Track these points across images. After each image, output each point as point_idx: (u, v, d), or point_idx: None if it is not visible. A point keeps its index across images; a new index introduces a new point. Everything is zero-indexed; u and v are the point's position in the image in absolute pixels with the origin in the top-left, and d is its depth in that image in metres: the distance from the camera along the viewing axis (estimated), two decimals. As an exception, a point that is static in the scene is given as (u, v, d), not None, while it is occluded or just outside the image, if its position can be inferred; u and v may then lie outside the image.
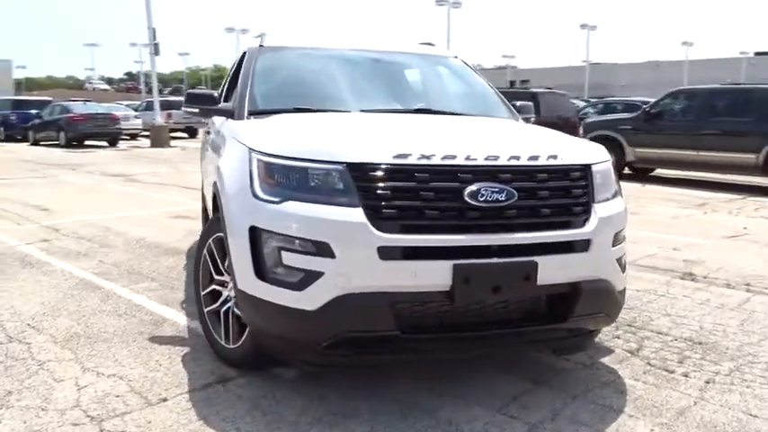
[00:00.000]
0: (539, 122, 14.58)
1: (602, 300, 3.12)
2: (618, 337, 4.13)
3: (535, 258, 2.86)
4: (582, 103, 28.48)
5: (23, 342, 3.96)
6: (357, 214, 2.73)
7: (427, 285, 2.77)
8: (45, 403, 3.14)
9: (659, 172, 14.32)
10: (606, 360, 3.75)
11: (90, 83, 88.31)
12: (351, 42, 4.78)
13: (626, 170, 13.95)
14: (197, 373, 3.49)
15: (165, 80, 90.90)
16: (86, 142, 23.76)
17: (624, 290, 3.34)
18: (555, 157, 3.05)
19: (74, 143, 23.32)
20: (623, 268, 3.27)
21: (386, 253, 2.71)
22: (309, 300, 2.77)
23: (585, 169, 3.11)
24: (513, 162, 2.94)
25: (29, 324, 4.28)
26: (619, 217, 3.21)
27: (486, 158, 2.91)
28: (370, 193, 2.77)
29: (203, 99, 4.18)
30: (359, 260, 2.72)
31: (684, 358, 3.79)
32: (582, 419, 3.01)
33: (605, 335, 4.16)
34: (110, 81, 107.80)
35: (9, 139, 26.56)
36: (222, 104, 4.16)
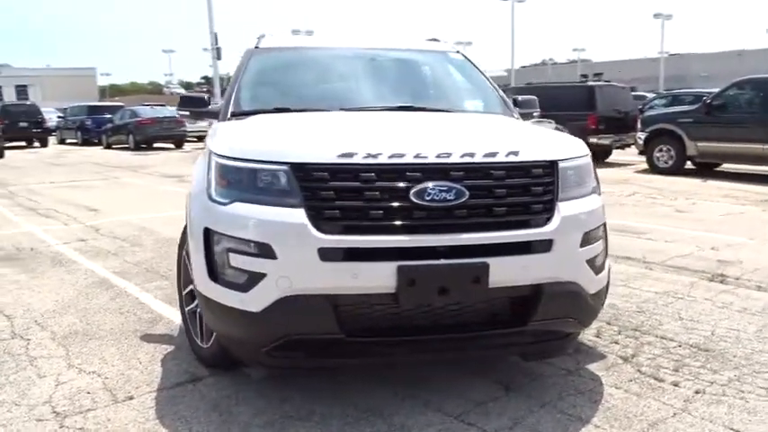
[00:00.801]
0: (594, 117, 14.07)
1: (568, 303, 2.95)
2: (616, 342, 3.91)
3: (487, 260, 2.73)
4: (652, 96, 27.29)
5: (24, 338, 4.12)
6: (298, 215, 2.69)
7: (370, 287, 2.69)
8: (20, 398, 3.26)
9: (726, 167, 13.52)
10: (594, 366, 3.55)
11: (168, 88, 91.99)
12: (350, 40, 4.74)
13: (688, 165, 13.26)
14: (172, 371, 3.54)
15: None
16: (154, 145, 24.72)
17: (600, 293, 3.15)
18: (516, 153, 2.91)
19: (142, 146, 24.31)
20: (598, 269, 3.09)
21: (327, 254, 2.66)
22: (254, 301, 2.75)
23: (551, 166, 2.95)
24: (467, 159, 2.82)
25: (36, 321, 4.46)
26: (590, 215, 3.03)
27: (437, 156, 2.80)
28: (312, 193, 2.72)
29: (195, 102, 4.24)
30: (300, 262, 2.68)
31: (682, 366, 3.54)
32: (542, 429, 2.86)
33: (604, 339, 3.96)
34: (188, 85, 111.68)
35: (86, 143, 27.97)
36: (211, 107, 4.21)
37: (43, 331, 4.25)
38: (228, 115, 3.84)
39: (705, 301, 4.71)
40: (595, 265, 3.06)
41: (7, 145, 23.51)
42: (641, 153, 14.01)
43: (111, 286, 5.30)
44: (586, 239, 2.98)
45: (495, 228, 2.78)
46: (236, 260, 2.80)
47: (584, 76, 59.81)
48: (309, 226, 2.66)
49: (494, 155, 2.86)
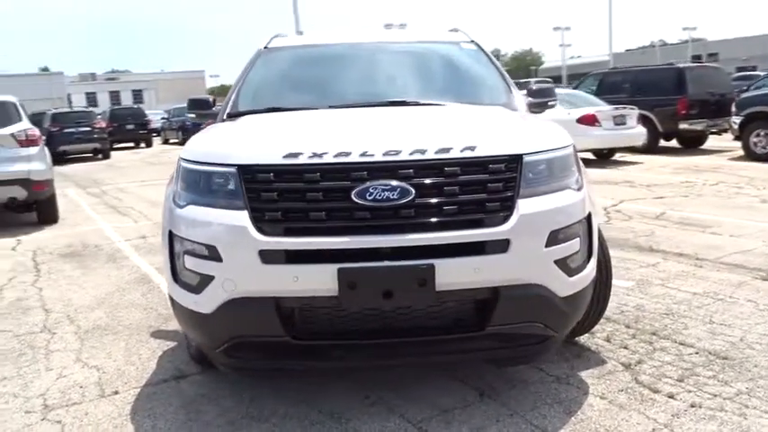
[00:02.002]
0: (685, 102, 13.14)
1: (532, 307, 2.76)
2: (625, 347, 3.64)
3: (433, 261, 2.60)
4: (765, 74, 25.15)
5: (51, 332, 4.40)
6: (240, 217, 2.68)
7: (312, 290, 2.64)
8: (21, 390, 3.47)
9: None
10: (587, 373, 3.32)
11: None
12: (363, 35, 4.67)
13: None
14: (164, 368, 3.65)
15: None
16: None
17: (577, 296, 2.90)
18: (472, 148, 2.74)
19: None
20: (573, 271, 2.86)
21: (267, 257, 2.63)
22: (205, 303, 2.78)
23: (512, 160, 2.76)
24: (417, 156, 2.69)
25: (68, 315, 4.75)
26: (561, 212, 2.80)
27: (384, 154, 2.69)
28: (256, 195, 2.70)
29: (200, 104, 4.34)
30: (242, 264, 2.67)
31: (688, 376, 3.24)
32: (498, 441, 2.70)
33: (613, 343, 3.69)
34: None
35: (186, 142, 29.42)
36: (215, 109, 4.28)
37: (71, 325, 4.51)
38: (224, 116, 3.90)
39: (747, 302, 4.29)
40: (569, 267, 2.84)
41: (116, 146, 25.24)
42: (736, 138, 12.98)
43: (148, 282, 5.54)
44: (555, 239, 2.77)
45: (443, 228, 2.64)
46: (190, 262, 2.83)
47: (698, 57, 56.12)
48: (251, 228, 2.65)
49: (447, 150, 2.72)
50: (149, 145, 27.58)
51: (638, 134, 13.16)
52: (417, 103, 3.73)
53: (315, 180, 2.68)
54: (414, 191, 2.63)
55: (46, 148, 9.23)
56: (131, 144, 27.47)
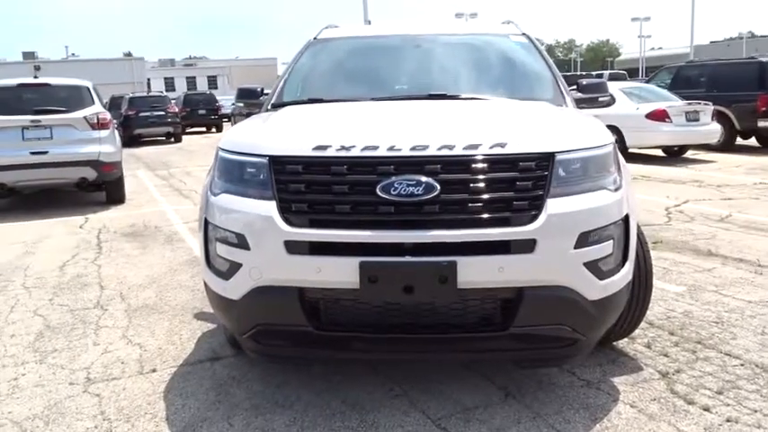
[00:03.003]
0: (766, 98, 12.47)
1: (558, 310, 2.70)
2: (665, 355, 3.51)
3: (455, 258, 2.57)
4: None
5: (103, 309, 4.61)
6: (268, 207, 2.72)
7: (334, 282, 2.66)
8: (68, 362, 3.66)
9: None
10: (621, 379, 3.22)
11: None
12: (410, 26, 4.65)
13: None
14: (201, 349, 3.77)
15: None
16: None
17: (608, 300, 2.79)
18: (502, 145, 2.69)
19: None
20: (604, 274, 2.76)
21: (292, 247, 2.67)
22: (233, 290, 2.84)
23: (544, 158, 2.69)
24: (445, 152, 2.67)
25: (121, 293, 4.96)
26: (593, 213, 2.72)
27: (412, 149, 2.68)
28: (285, 185, 2.74)
29: (248, 93, 4.42)
30: (268, 253, 2.71)
31: (729, 389, 3.09)
32: (517, 443, 2.66)
33: (653, 350, 3.56)
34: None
35: (256, 128, 30.09)
36: (262, 98, 4.36)
37: (122, 303, 4.72)
38: (269, 107, 3.97)
39: (807, 314, 4.05)
40: (600, 270, 2.75)
41: (188, 131, 26.05)
42: (820, 138, 12.24)
43: (198, 265, 5.71)
44: (585, 240, 2.69)
45: (467, 225, 2.60)
46: (221, 249, 2.90)
47: (788, 49, 52.90)
48: (277, 218, 2.69)
49: (476, 147, 2.68)
50: (219, 130, 28.33)
51: (712, 131, 12.58)
52: (458, 97, 3.69)
53: (341, 173, 2.69)
54: (439, 186, 2.60)
55: (116, 132, 9.65)
56: (203, 129, 28.30)
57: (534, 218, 2.63)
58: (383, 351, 2.86)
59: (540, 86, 3.95)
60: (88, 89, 9.19)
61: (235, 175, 2.94)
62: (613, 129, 12.64)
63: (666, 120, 12.12)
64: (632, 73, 40.79)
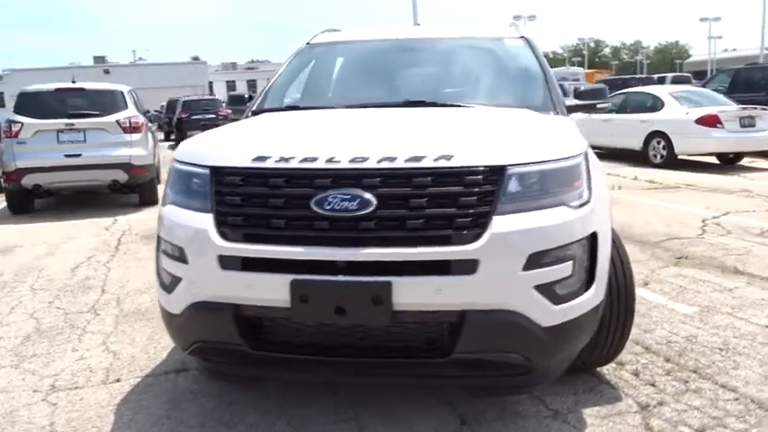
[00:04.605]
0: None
1: (505, 336, 2.49)
2: (653, 384, 3.23)
3: (391, 278, 2.41)
4: None
5: (96, 313, 4.63)
6: (205, 220, 2.62)
7: (266, 300, 2.53)
8: (41, 368, 3.67)
9: None
10: (593, 410, 2.97)
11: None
12: (406, 31, 4.51)
13: None
14: (172, 360, 3.71)
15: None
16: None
17: (565, 327, 2.56)
18: (448, 157, 2.51)
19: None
20: (560, 298, 2.54)
21: (226, 262, 2.56)
22: (175, 304, 2.76)
23: (494, 172, 2.49)
24: (385, 165, 2.50)
25: (118, 297, 4.98)
26: (547, 232, 2.49)
27: (351, 161, 2.53)
28: (222, 198, 2.63)
29: (237, 100, 4.37)
30: (204, 268, 2.61)
31: (713, 427, 2.81)
32: (455, 479, 2.47)
33: (641, 378, 3.29)
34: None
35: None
36: (248, 104, 4.29)
37: (116, 308, 4.73)
38: (249, 113, 3.89)
39: (826, 343, 3.68)
40: (555, 293, 2.52)
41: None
42: None
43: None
44: (537, 261, 2.47)
45: (405, 243, 2.43)
46: (165, 262, 2.83)
47: None
48: (212, 232, 2.58)
49: (419, 159, 2.51)
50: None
51: (770, 138, 11.86)
52: (435, 104, 3.51)
53: (279, 185, 2.57)
54: (376, 201, 2.44)
55: (150, 135, 9.84)
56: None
57: (478, 236, 2.43)
58: (321, 374, 2.72)
59: (528, 92, 3.73)
60: (122, 93, 9.41)
61: (181, 185, 2.86)
62: (661, 135, 12.11)
63: (718, 125, 11.48)
64: (701, 75, 39.10)
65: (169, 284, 2.79)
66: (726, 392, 3.13)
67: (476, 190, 2.47)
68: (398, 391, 3.14)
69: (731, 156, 12.44)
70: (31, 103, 8.92)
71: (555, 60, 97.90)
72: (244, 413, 3.02)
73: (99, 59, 57.78)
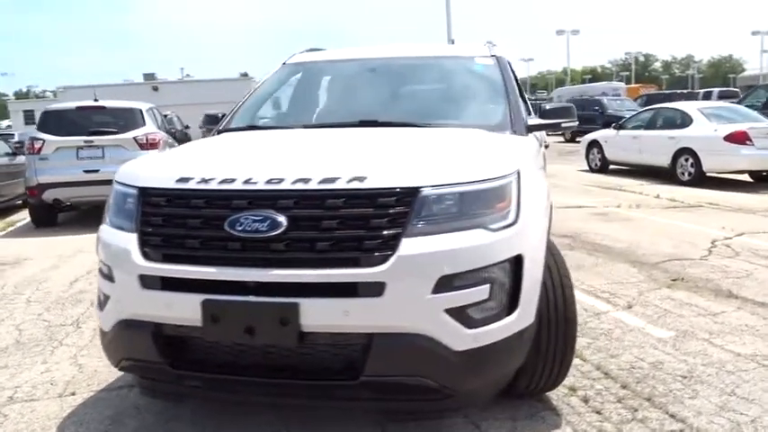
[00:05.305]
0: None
1: (414, 359, 2.45)
2: (599, 412, 3.13)
3: (298, 300, 2.42)
4: None
5: (78, 326, 4.76)
6: (129, 240, 2.68)
7: (182, 319, 2.57)
8: (6, 380, 3.78)
9: None
10: (526, 439, 2.90)
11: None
12: (379, 50, 4.52)
13: None
14: (130, 375, 3.77)
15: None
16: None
17: (482, 351, 2.51)
18: (361, 179, 2.51)
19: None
20: (474, 322, 2.49)
21: (147, 282, 2.61)
22: (105, 321, 2.83)
23: (407, 194, 2.48)
24: (299, 186, 2.52)
25: (104, 312, 5.10)
26: (459, 255, 2.46)
27: (267, 182, 2.56)
28: (146, 218, 2.69)
29: (211, 120, 4.45)
30: (126, 287, 2.67)
31: (647, 459, 2.71)
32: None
33: (590, 405, 3.20)
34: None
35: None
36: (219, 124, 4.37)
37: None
38: (215, 132, 3.97)
39: (798, 374, 3.50)
40: (469, 317, 2.48)
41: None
42: None
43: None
44: (448, 284, 2.44)
45: (313, 265, 2.44)
46: (99, 280, 2.91)
47: None
48: (135, 252, 2.64)
49: (332, 181, 2.52)
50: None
51: (804, 155, 11.39)
52: (390, 124, 3.52)
53: (198, 206, 2.61)
54: (286, 223, 2.46)
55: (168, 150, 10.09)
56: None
57: (385, 259, 2.42)
58: (237, 393, 2.73)
59: (485, 112, 3.70)
60: (140, 111, 9.69)
61: (115, 206, 2.93)
62: (689, 152, 11.79)
63: (747, 142, 11.11)
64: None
65: (102, 302, 2.87)
66: (673, 423, 3.02)
67: (388, 212, 2.47)
68: (334, 411, 3.12)
69: (765, 173, 12.01)
70: (53, 121, 9.29)
71: (603, 75, 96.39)
72: (179, 430, 3.05)
73: (149, 76, 59.45)
